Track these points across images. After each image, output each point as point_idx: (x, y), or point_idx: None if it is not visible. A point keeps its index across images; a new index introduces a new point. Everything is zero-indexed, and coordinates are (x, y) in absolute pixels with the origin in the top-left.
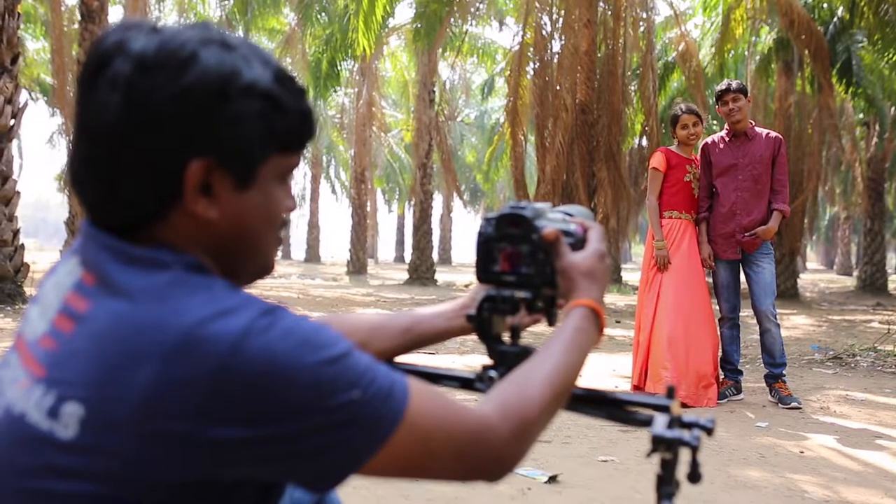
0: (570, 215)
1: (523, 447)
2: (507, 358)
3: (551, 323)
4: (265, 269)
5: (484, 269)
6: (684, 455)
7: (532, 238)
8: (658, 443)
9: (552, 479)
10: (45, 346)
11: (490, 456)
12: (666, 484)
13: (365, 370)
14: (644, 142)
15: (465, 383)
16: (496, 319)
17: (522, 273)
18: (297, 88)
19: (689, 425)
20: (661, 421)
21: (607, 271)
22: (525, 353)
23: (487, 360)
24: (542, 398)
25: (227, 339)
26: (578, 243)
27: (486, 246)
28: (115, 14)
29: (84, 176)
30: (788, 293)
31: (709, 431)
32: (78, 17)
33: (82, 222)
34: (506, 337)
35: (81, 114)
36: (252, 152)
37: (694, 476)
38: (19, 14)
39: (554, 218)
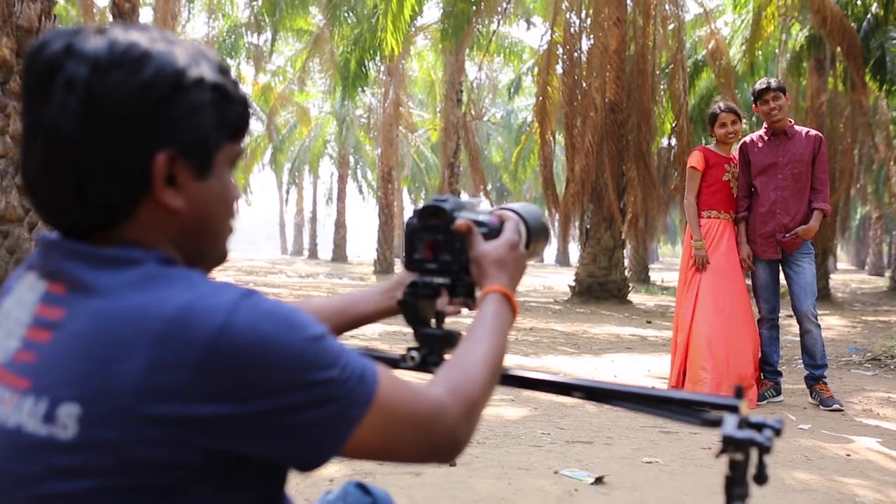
0: (513, 210)
1: (472, 426)
2: (431, 340)
3: (469, 307)
4: (222, 257)
5: (409, 258)
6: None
7: (450, 228)
8: (728, 443)
9: (598, 481)
10: (22, 360)
11: (447, 435)
12: (738, 485)
13: (340, 352)
14: (674, 141)
15: (391, 363)
16: (422, 304)
17: (442, 261)
18: (235, 80)
19: (757, 426)
20: (731, 421)
21: (520, 260)
22: (448, 336)
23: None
24: (483, 379)
25: (214, 319)
26: (492, 233)
27: (411, 236)
28: (145, 15)
29: (46, 182)
30: (821, 293)
31: (777, 432)
32: (109, 18)
33: (39, 235)
34: (432, 321)
35: (34, 121)
36: (209, 140)
37: (761, 478)
38: (56, 16)
39: (481, 210)
